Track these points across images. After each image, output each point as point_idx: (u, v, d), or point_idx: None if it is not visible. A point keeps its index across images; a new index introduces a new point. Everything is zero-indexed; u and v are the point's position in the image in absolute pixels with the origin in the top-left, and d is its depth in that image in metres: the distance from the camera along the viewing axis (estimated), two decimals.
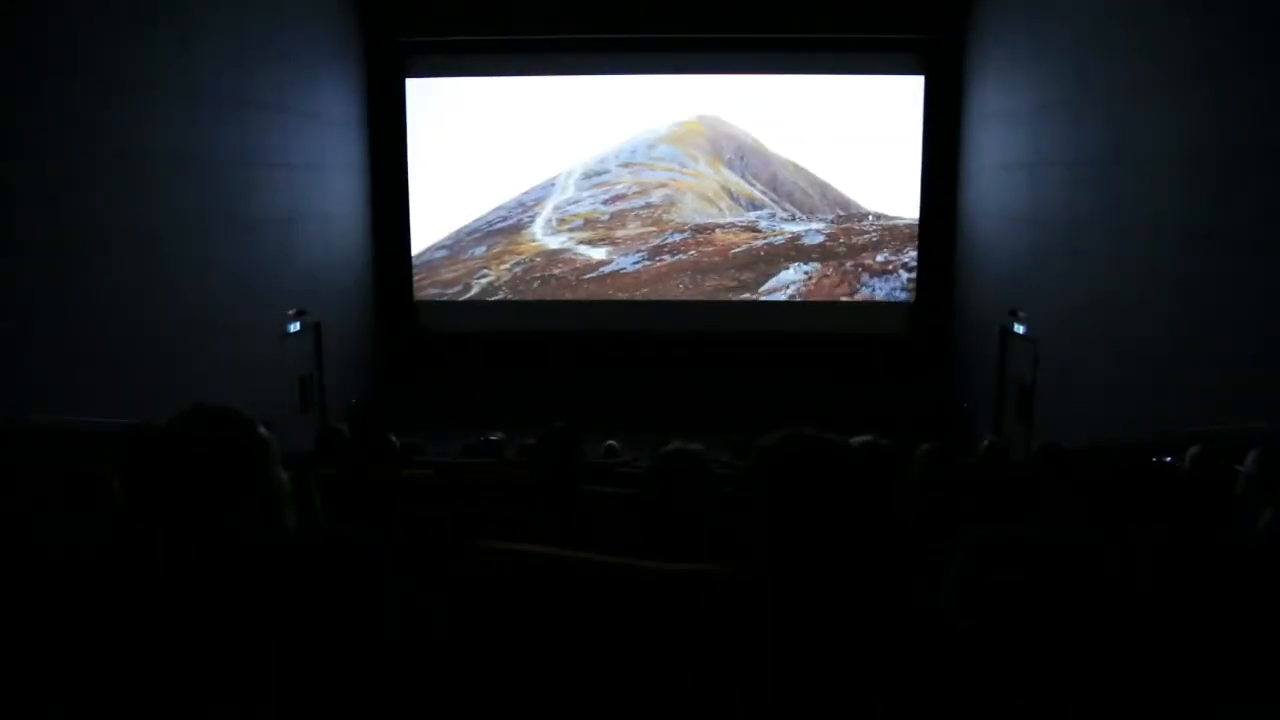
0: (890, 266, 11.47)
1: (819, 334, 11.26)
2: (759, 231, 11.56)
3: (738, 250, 11.58)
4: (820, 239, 11.52)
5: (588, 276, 11.63)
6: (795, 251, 11.54)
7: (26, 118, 4.82)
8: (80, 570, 1.05)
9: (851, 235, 11.51)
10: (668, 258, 11.61)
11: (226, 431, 1.20)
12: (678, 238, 11.64)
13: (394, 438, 4.51)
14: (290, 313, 8.54)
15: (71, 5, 5.23)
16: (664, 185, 11.55)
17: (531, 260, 11.68)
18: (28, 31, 4.82)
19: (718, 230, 11.60)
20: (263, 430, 1.26)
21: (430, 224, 11.59)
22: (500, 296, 11.65)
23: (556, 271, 11.66)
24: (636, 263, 11.62)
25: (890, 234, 11.43)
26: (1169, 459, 4.63)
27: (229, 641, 1.02)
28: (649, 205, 11.58)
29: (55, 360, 4.94)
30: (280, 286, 8.33)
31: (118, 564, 1.06)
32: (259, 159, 7.92)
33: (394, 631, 1.12)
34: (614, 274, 11.61)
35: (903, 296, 11.40)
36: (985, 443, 4.91)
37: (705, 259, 11.62)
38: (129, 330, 5.72)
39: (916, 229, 11.29)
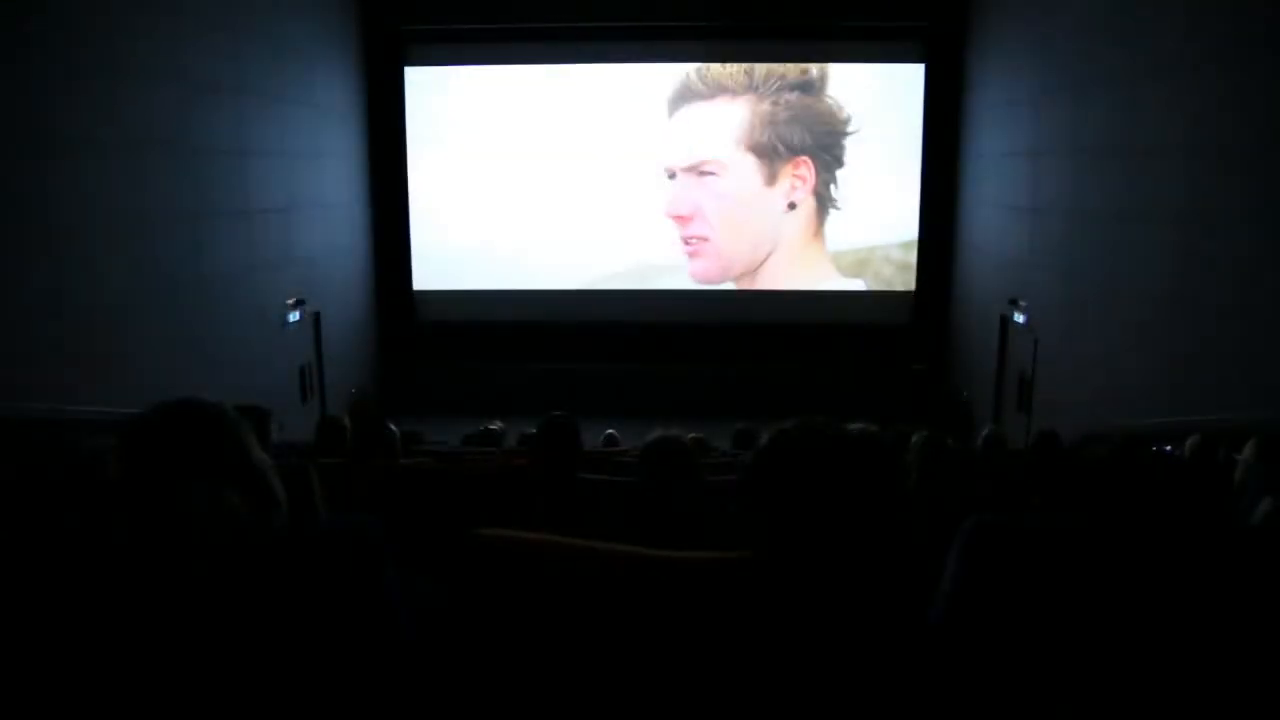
0: None
1: (820, 323, 11.25)
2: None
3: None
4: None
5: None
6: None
7: (21, 107, 4.80)
8: (78, 568, 1.05)
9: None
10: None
11: (187, 422, 1.19)
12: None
13: (394, 427, 4.51)
14: (289, 302, 8.53)
15: None
16: None
17: None
18: (21, 19, 4.79)
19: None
20: (231, 411, 1.25)
21: (429, 214, 11.57)
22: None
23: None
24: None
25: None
26: (1168, 448, 4.63)
27: (226, 635, 1.02)
28: None
29: (51, 351, 4.94)
30: (279, 276, 8.31)
31: (114, 560, 1.06)
32: (257, 147, 7.89)
33: (394, 621, 1.13)
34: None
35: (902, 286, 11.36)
36: (985, 431, 4.93)
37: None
38: (127, 320, 5.71)
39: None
